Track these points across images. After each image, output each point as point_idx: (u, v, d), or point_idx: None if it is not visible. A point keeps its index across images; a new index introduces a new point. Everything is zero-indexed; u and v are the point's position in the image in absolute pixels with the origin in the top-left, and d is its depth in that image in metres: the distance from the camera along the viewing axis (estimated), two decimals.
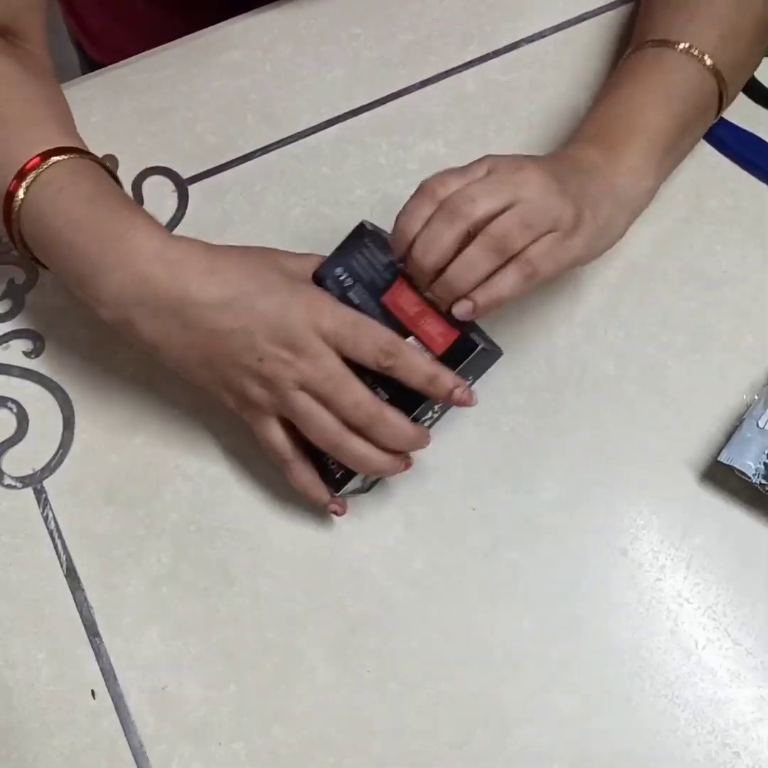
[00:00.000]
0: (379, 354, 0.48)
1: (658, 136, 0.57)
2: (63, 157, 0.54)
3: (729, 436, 0.56)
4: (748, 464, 0.54)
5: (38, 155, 0.53)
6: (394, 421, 0.49)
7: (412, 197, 0.49)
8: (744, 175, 0.66)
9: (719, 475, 0.57)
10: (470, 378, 0.51)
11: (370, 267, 0.52)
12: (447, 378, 0.48)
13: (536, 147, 0.67)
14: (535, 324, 0.62)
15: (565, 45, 0.71)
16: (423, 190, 0.49)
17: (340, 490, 0.53)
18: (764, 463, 0.54)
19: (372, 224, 0.54)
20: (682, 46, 0.58)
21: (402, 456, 0.52)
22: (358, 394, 0.49)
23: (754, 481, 0.54)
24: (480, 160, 0.50)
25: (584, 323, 0.62)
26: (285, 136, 0.68)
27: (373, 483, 0.55)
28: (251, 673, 0.53)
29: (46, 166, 0.53)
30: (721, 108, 0.61)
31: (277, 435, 0.52)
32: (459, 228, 0.47)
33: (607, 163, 0.55)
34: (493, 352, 0.51)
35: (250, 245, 0.55)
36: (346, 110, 0.69)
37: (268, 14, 0.73)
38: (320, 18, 0.72)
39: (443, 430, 0.58)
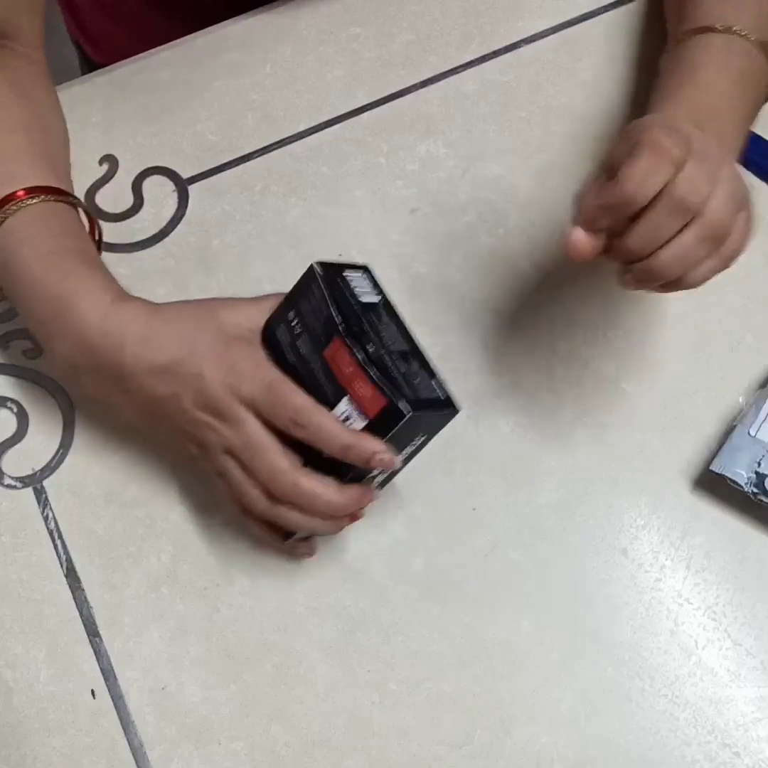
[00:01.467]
0: (289, 423, 0.47)
1: (743, 125, 0.57)
2: (33, 200, 0.54)
3: (722, 443, 0.56)
4: (740, 473, 0.54)
5: (6, 196, 0.53)
6: (314, 491, 0.47)
7: (643, 155, 0.44)
8: (744, 175, 0.66)
9: (717, 477, 0.57)
10: (420, 435, 0.49)
11: (314, 317, 0.48)
12: (364, 446, 0.46)
13: (536, 147, 0.67)
14: (535, 324, 0.62)
15: (565, 45, 0.71)
16: (657, 149, 0.44)
17: (289, 537, 0.52)
18: (756, 472, 0.54)
19: (323, 265, 0.50)
20: (744, 32, 0.57)
21: (339, 518, 0.50)
22: (273, 465, 0.48)
23: (746, 490, 0.54)
24: (670, 129, 0.46)
25: (584, 323, 0.62)
26: (285, 136, 0.68)
27: (383, 482, 0.54)
28: (251, 673, 0.53)
29: (14, 209, 0.53)
30: None
31: (224, 492, 0.52)
32: (683, 223, 0.45)
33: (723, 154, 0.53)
34: (440, 415, 0.49)
35: (197, 299, 0.53)
36: (346, 110, 0.69)
37: (268, 14, 0.73)
38: (320, 18, 0.72)
39: (443, 430, 0.58)
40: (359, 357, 0.46)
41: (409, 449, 0.50)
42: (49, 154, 0.58)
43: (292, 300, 0.50)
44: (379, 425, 0.47)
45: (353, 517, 0.51)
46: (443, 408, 0.49)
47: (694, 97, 0.56)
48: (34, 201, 0.54)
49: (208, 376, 0.48)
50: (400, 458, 0.48)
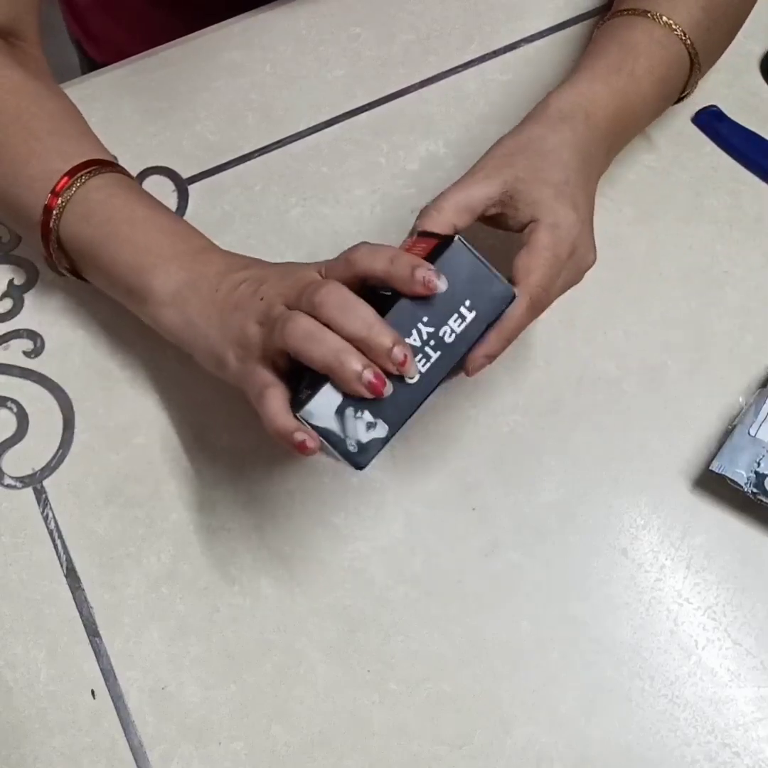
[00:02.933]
0: (342, 259, 0.47)
1: (644, 123, 0.58)
2: (97, 173, 0.55)
3: (722, 443, 0.56)
4: (740, 473, 0.54)
5: (73, 168, 0.55)
6: (358, 304, 0.45)
7: (521, 311, 0.48)
8: (744, 174, 0.66)
9: (717, 478, 0.57)
10: (467, 304, 0.46)
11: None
12: (407, 258, 0.45)
13: None
14: (535, 324, 0.62)
15: (565, 45, 0.71)
16: (532, 303, 0.49)
17: (301, 408, 0.46)
18: (756, 472, 0.54)
19: None
20: (671, 23, 0.57)
21: (369, 356, 0.46)
22: (327, 283, 0.46)
23: (746, 490, 0.54)
24: (566, 241, 0.50)
25: (584, 323, 0.62)
26: (285, 136, 0.68)
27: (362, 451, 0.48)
28: (251, 673, 0.53)
29: (82, 181, 0.54)
30: (681, 96, 0.61)
31: (261, 370, 0.48)
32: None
33: (608, 151, 0.55)
34: (493, 288, 0.47)
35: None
36: (346, 110, 0.69)
37: (268, 14, 0.73)
38: (320, 18, 0.72)
39: (443, 430, 0.58)
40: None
41: (455, 318, 0.46)
42: (79, 130, 0.59)
43: None
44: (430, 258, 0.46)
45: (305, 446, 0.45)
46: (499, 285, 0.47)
47: (629, 92, 0.56)
48: (101, 173, 0.55)
49: (293, 269, 0.50)
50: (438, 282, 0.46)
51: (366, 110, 0.69)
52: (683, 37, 0.57)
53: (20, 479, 0.58)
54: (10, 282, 0.63)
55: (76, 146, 0.56)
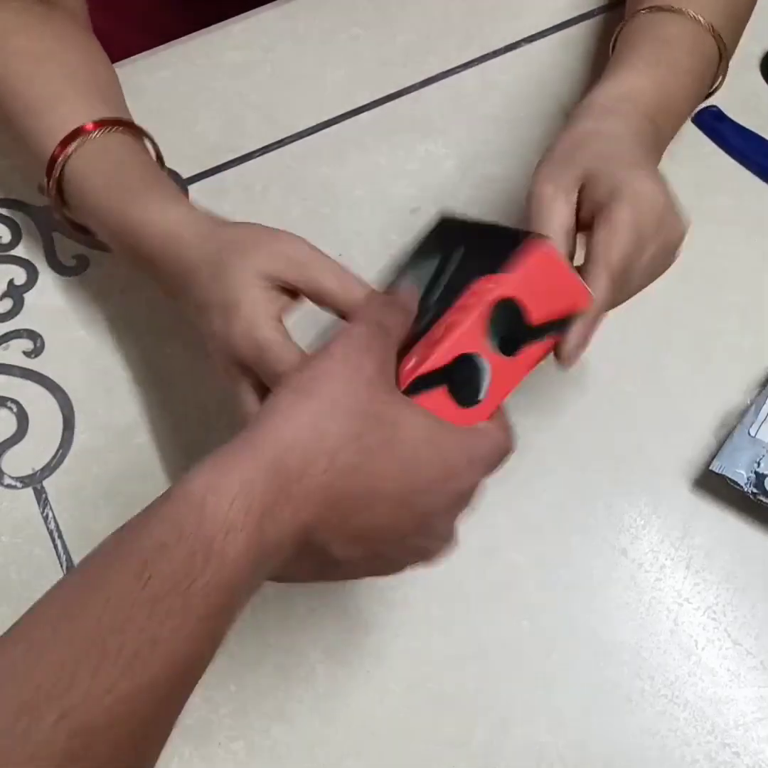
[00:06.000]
0: None
1: (685, 116, 0.57)
2: (91, 135, 0.55)
3: (722, 443, 0.56)
4: (740, 473, 0.54)
5: (65, 138, 0.55)
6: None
7: (606, 288, 0.45)
8: (744, 174, 0.66)
9: (717, 478, 0.57)
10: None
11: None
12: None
13: (536, 147, 0.67)
14: None
15: (565, 45, 0.71)
16: (613, 278, 0.46)
17: None
18: (755, 472, 0.54)
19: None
20: (698, 18, 0.57)
21: None
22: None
23: (745, 490, 0.54)
24: (648, 212, 0.47)
25: None
26: (285, 136, 0.68)
27: None
28: (251, 673, 0.53)
29: (73, 148, 0.55)
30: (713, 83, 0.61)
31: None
32: None
33: (656, 144, 0.54)
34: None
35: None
36: (346, 110, 0.69)
37: (268, 14, 0.73)
38: (320, 18, 0.72)
39: None
40: None
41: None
42: (99, 89, 0.60)
43: None
44: None
45: None
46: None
47: (668, 82, 0.55)
48: (89, 137, 0.55)
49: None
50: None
51: (366, 110, 0.69)
52: (712, 31, 0.57)
53: (20, 479, 0.58)
54: (10, 282, 0.63)
55: (64, 109, 0.57)
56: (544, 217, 0.47)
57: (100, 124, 0.56)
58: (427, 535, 0.42)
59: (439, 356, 0.42)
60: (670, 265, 0.50)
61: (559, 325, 0.45)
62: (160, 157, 0.61)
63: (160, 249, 0.51)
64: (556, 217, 0.47)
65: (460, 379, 0.42)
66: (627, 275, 0.46)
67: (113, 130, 0.56)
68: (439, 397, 0.42)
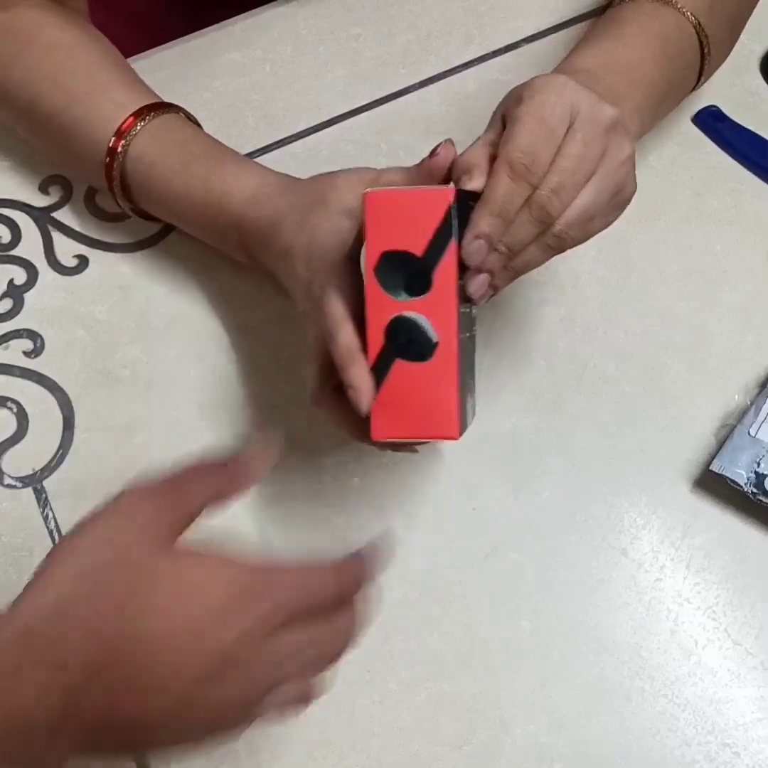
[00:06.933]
0: None
1: (656, 96, 0.55)
2: (143, 122, 0.57)
3: (722, 443, 0.56)
4: (740, 473, 0.54)
5: (120, 126, 0.57)
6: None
7: (499, 177, 0.43)
8: (744, 174, 0.66)
9: (717, 478, 0.57)
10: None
11: None
12: None
13: None
14: (535, 324, 0.62)
15: (565, 45, 0.71)
16: (512, 166, 0.43)
17: None
18: (756, 472, 0.54)
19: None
20: (681, 6, 0.57)
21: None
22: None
23: (745, 489, 0.54)
24: (554, 100, 0.45)
25: (584, 323, 0.62)
26: (285, 136, 0.68)
27: None
28: None
29: (133, 135, 0.57)
30: (700, 77, 0.60)
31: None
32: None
33: (615, 99, 0.51)
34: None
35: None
36: (346, 110, 0.69)
37: (268, 14, 0.73)
38: (320, 18, 0.72)
39: None
40: None
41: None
42: (134, 77, 0.61)
43: None
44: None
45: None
46: None
47: (612, 50, 0.54)
48: (144, 122, 0.57)
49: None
50: None
51: (366, 110, 0.69)
52: (682, 9, 0.57)
53: (20, 479, 0.58)
54: (10, 282, 0.63)
55: (117, 97, 0.58)
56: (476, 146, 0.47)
57: (150, 108, 0.57)
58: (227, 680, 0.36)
59: (371, 339, 0.44)
60: (625, 186, 0.47)
61: (442, 234, 0.43)
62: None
63: (245, 210, 0.55)
64: (481, 141, 0.47)
65: (405, 343, 0.44)
66: (529, 160, 0.43)
67: (163, 112, 0.58)
68: (402, 371, 0.44)
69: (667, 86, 0.56)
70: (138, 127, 0.57)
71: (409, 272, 0.43)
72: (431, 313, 0.44)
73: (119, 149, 0.56)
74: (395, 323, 0.44)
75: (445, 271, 0.43)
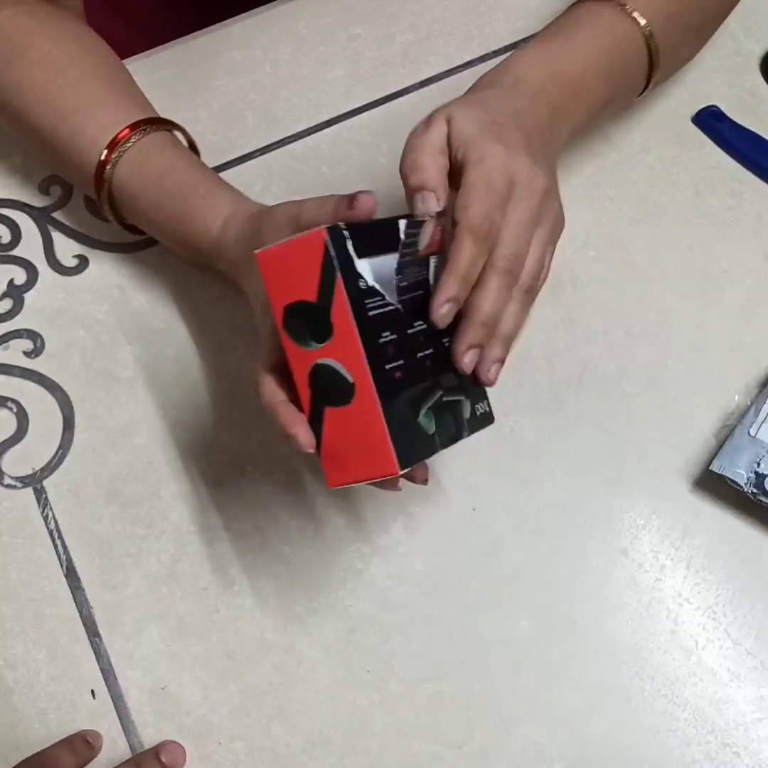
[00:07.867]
0: None
1: (593, 104, 0.57)
2: (130, 141, 0.57)
3: (722, 443, 0.56)
4: (740, 473, 0.54)
5: (109, 143, 0.57)
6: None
7: (463, 243, 0.46)
8: (744, 174, 0.66)
9: (717, 478, 0.57)
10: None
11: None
12: None
13: None
14: (535, 324, 0.62)
15: None
16: (474, 233, 0.46)
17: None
18: (756, 472, 0.54)
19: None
20: (636, 16, 0.57)
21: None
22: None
23: (745, 489, 0.54)
24: (497, 171, 0.47)
25: (584, 323, 0.62)
26: (285, 136, 0.68)
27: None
28: (251, 673, 0.53)
29: (120, 153, 0.57)
30: (648, 85, 0.60)
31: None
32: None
33: (553, 113, 0.54)
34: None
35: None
36: (346, 110, 0.69)
37: (268, 14, 0.73)
38: (320, 18, 0.72)
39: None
40: None
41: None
42: (124, 89, 0.61)
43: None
44: None
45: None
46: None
47: (561, 59, 0.55)
48: (126, 147, 0.57)
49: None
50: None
51: (366, 110, 0.69)
52: (637, 19, 0.57)
53: (20, 479, 0.58)
54: (10, 282, 0.63)
55: (102, 116, 0.58)
56: (418, 169, 0.49)
57: (136, 126, 0.58)
58: None
59: (301, 393, 0.44)
60: (558, 230, 0.51)
61: (327, 274, 0.44)
62: (192, 145, 0.62)
63: (212, 249, 0.56)
64: (424, 171, 0.49)
65: (328, 390, 0.44)
66: (487, 224, 0.46)
67: (149, 130, 0.58)
68: (334, 417, 0.44)
69: (609, 98, 0.58)
70: (120, 151, 0.57)
71: (312, 319, 0.44)
72: (338, 355, 0.43)
73: (106, 169, 0.57)
74: (314, 373, 0.44)
75: (340, 309, 0.43)
